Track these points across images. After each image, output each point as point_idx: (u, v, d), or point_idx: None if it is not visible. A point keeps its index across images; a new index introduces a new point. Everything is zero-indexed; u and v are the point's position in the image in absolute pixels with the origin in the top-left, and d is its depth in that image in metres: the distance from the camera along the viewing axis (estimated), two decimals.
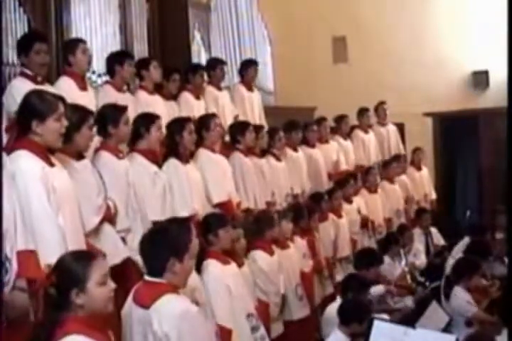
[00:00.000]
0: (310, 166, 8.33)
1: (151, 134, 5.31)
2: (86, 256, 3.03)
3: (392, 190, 9.47)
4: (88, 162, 4.58)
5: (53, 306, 2.85)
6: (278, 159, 7.56)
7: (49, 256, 3.56)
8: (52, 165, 3.92)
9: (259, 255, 5.89)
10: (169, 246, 3.50)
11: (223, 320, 4.81)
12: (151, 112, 5.59)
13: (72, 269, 2.90)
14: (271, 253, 6.01)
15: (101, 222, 4.51)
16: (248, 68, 8.29)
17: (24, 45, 5.42)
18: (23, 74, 5.36)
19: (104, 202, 4.55)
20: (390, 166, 9.54)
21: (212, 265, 4.96)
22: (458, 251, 8.11)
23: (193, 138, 5.84)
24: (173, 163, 5.67)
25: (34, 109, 3.86)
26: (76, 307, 2.88)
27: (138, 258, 4.55)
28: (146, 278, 3.55)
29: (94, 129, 4.64)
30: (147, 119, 5.36)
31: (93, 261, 2.95)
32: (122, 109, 5.04)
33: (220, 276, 4.94)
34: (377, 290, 6.47)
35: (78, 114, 4.37)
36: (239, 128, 6.96)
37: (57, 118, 3.86)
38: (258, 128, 7.29)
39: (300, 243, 6.78)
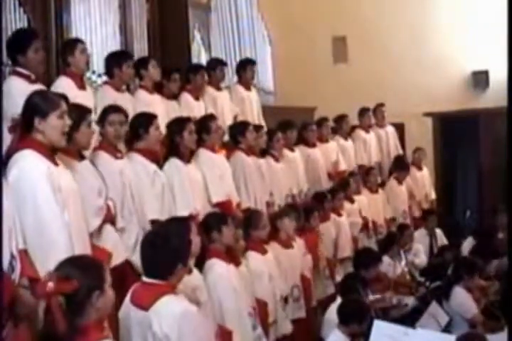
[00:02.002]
0: (308, 166, 8.34)
1: (149, 134, 5.30)
2: (96, 260, 3.02)
3: (399, 190, 9.49)
4: (88, 162, 4.57)
5: (70, 314, 2.73)
6: (276, 160, 7.56)
7: (56, 255, 3.56)
8: (56, 164, 3.93)
9: (251, 256, 5.84)
10: (176, 251, 3.53)
11: (226, 320, 4.81)
12: (149, 112, 5.57)
13: (93, 272, 2.83)
14: (263, 252, 5.96)
15: (102, 223, 4.50)
16: (245, 68, 8.28)
17: (20, 44, 5.29)
18: (16, 74, 5.23)
19: (104, 203, 4.54)
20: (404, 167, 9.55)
21: (217, 265, 4.96)
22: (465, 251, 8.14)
23: (194, 138, 5.83)
24: (174, 162, 5.67)
25: (36, 106, 3.86)
26: (92, 310, 2.79)
27: (134, 259, 4.56)
28: (144, 279, 3.54)
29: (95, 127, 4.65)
30: (145, 119, 5.35)
31: (104, 264, 2.94)
32: (112, 110, 5.03)
33: (226, 276, 4.95)
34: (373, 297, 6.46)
35: (76, 113, 4.36)
36: (239, 128, 6.96)
37: (60, 116, 3.87)
38: (257, 128, 7.29)
39: (299, 243, 6.78)
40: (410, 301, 7.00)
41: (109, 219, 4.60)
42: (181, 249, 3.58)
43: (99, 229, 4.50)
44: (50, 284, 2.63)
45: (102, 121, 4.94)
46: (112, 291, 2.89)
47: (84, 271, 2.80)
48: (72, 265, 2.85)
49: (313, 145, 8.57)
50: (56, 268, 2.82)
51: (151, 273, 3.52)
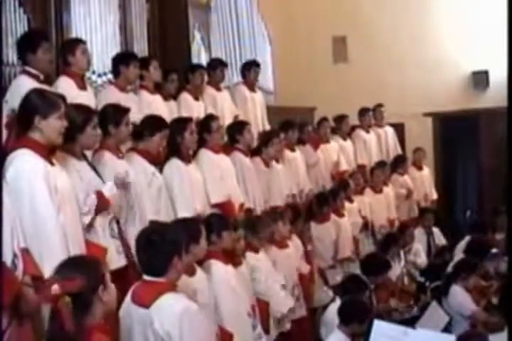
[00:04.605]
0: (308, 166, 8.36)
1: (153, 139, 5.31)
2: (92, 257, 3.06)
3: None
4: (86, 164, 4.54)
5: (79, 314, 2.74)
6: (276, 160, 7.55)
7: (51, 255, 3.60)
8: (52, 164, 3.94)
9: (248, 255, 5.82)
10: (170, 244, 3.52)
11: (225, 321, 4.80)
12: (162, 119, 5.57)
13: (95, 268, 2.86)
14: (255, 251, 5.89)
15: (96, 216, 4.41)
16: (250, 69, 8.31)
17: (31, 43, 5.39)
18: (26, 73, 5.32)
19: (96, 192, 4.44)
20: (384, 168, 9.55)
21: (215, 265, 4.95)
22: (460, 251, 8.12)
23: (195, 138, 5.84)
24: (175, 163, 5.67)
25: (37, 105, 3.88)
26: (100, 307, 2.81)
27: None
28: (145, 277, 3.55)
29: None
30: (155, 125, 5.36)
31: (100, 260, 2.98)
32: (125, 111, 5.03)
33: (225, 278, 4.94)
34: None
35: (82, 114, 4.38)
36: (237, 128, 6.96)
37: (60, 117, 3.89)
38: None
39: (298, 242, 6.78)
40: (413, 312, 6.98)
41: (103, 208, 4.43)
42: (176, 241, 3.57)
43: (98, 231, 4.46)
44: (55, 287, 2.62)
45: (117, 121, 4.91)
46: (113, 285, 2.91)
47: (84, 269, 2.81)
48: (72, 266, 2.87)
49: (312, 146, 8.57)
50: (56, 271, 2.82)
51: (148, 269, 3.53)
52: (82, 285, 2.71)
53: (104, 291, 2.83)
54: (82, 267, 2.83)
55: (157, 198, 5.29)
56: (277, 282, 5.89)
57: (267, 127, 8.34)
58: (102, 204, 4.41)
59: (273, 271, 5.96)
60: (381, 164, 9.51)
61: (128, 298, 3.57)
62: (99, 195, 4.41)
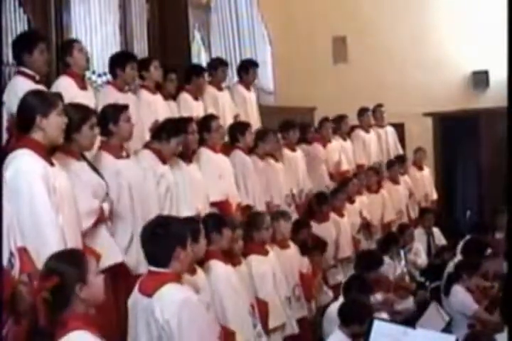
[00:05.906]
0: (310, 165, 8.36)
1: (168, 143, 5.37)
2: (78, 252, 3.13)
3: (394, 190, 9.48)
4: (85, 163, 4.55)
5: (53, 309, 2.80)
6: (276, 160, 7.54)
7: (49, 254, 3.59)
8: (52, 164, 3.95)
9: (253, 259, 5.74)
10: (173, 236, 3.61)
11: (228, 320, 4.81)
12: (182, 124, 5.62)
13: (73, 265, 2.89)
14: (265, 253, 5.89)
15: (95, 224, 4.45)
16: (248, 69, 8.28)
17: (27, 44, 5.38)
18: (21, 74, 5.32)
19: (100, 204, 4.51)
20: (394, 167, 9.56)
21: (216, 266, 4.95)
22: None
23: (196, 138, 5.87)
24: (177, 163, 5.68)
25: (36, 106, 3.91)
26: (78, 302, 2.85)
27: (128, 259, 4.57)
28: (151, 268, 3.64)
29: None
30: (173, 130, 5.40)
31: (86, 255, 3.02)
32: (122, 108, 5.05)
33: (225, 277, 4.95)
34: (375, 299, 6.40)
35: (79, 114, 4.39)
36: (240, 128, 6.96)
37: (59, 113, 3.93)
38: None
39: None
40: (410, 304, 6.96)
41: (101, 220, 4.53)
42: (180, 233, 3.66)
43: (95, 230, 4.47)
44: (35, 282, 2.68)
45: (115, 118, 4.92)
46: (99, 281, 2.94)
47: (65, 264, 2.88)
48: (56, 259, 2.94)
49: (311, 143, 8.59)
50: (44, 263, 2.90)
51: (152, 260, 3.63)
52: (57, 283, 2.76)
53: (83, 288, 2.85)
54: (65, 262, 2.89)
55: (164, 198, 5.32)
56: (282, 295, 5.89)
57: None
58: (102, 217, 4.50)
59: (281, 278, 5.96)
60: (389, 163, 9.56)
61: (136, 288, 3.68)
62: (101, 210, 4.48)
